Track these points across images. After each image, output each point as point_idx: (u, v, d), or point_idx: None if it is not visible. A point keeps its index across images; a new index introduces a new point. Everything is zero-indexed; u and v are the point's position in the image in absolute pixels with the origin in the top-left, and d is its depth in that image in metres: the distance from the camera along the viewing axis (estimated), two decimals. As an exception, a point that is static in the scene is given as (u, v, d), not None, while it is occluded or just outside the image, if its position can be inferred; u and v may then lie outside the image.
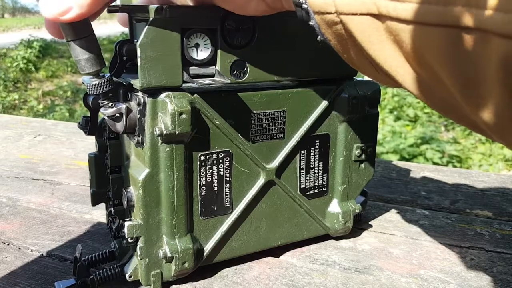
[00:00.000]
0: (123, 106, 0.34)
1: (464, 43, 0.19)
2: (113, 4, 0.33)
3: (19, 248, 0.44)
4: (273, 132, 0.39)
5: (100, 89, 0.32)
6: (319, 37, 0.27)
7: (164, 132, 0.33)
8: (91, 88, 0.32)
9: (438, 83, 0.22)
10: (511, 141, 0.20)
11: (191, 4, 0.35)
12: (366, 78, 0.34)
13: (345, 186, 0.44)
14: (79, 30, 0.30)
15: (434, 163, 2.33)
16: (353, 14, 0.24)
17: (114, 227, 0.39)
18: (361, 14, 0.23)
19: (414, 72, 0.23)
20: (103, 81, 0.32)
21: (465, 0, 0.18)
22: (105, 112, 0.33)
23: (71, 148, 0.77)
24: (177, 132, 0.33)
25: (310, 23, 0.27)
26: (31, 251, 0.43)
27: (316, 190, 0.43)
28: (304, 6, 0.26)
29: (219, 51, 0.35)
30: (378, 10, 0.22)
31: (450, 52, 0.20)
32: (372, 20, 0.23)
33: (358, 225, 0.48)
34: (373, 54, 0.24)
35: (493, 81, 0.18)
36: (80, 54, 0.30)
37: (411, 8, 0.21)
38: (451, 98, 0.22)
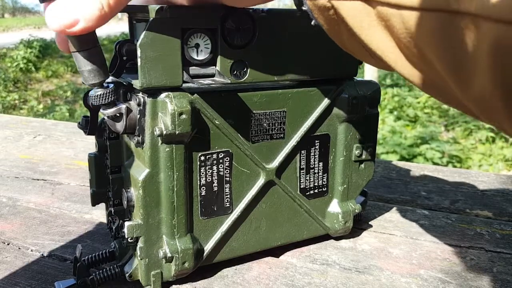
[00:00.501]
0: (123, 106, 0.34)
1: (454, 27, 0.19)
2: None
3: (19, 248, 0.44)
4: (273, 132, 0.39)
5: (103, 100, 0.32)
6: (313, 21, 0.27)
7: (164, 132, 0.33)
8: (95, 99, 0.32)
9: (429, 67, 0.22)
10: (499, 122, 0.20)
11: (189, 3, 0.35)
12: (366, 78, 0.34)
13: (345, 186, 0.44)
14: (83, 41, 0.30)
15: (434, 163, 2.33)
16: None
17: (114, 227, 0.39)
18: None
19: (405, 56, 0.23)
20: (106, 91, 0.32)
21: None
22: (105, 112, 0.33)
23: (71, 148, 0.77)
24: (177, 132, 0.33)
25: (303, 8, 0.27)
26: (31, 251, 0.43)
27: (316, 190, 0.43)
28: None
29: (219, 51, 0.35)
30: None
31: (440, 37, 0.20)
32: (363, 5, 0.23)
33: (358, 225, 0.48)
34: (365, 39, 0.24)
35: (483, 64, 0.18)
36: (84, 65, 0.30)
37: None
38: (441, 81, 0.22)
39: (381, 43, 0.24)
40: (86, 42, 0.30)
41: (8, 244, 0.45)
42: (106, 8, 0.27)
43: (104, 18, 0.28)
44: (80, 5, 0.27)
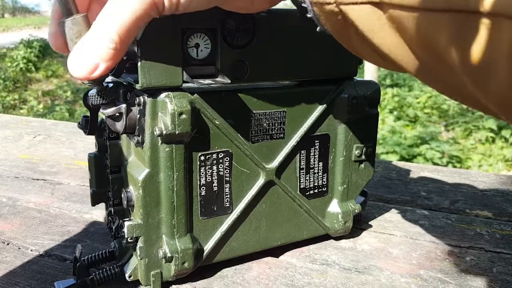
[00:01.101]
0: (123, 106, 0.34)
1: (472, 27, 0.18)
2: None
3: (19, 248, 0.44)
4: (273, 132, 0.39)
5: (102, 99, 0.32)
6: (318, 28, 0.27)
7: (164, 132, 0.33)
8: (94, 98, 0.32)
9: (445, 68, 0.21)
10: None
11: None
12: (366, 78, 0.34)
13: (345, 186, 0.44)
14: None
15: (434, 163, 2.33)
16: (353, 3, 0.23)
17: (114, 227, 0.39)
18: (361, 3, 0.23)
19: (419, 58, 0.23)
20: (105, 91, 0.32)
21: None
22: (104, 112, 0.33)
23: (71, 148, 0.77)
24: (177, 132, 0.33)
25: (308, 15, 0.26)
26: (31, 250, 0.43)
27: (316, 190, 0.43)
28: (303, 5, 0.26)
29: (219, 51, 0.35)
30: None
31: (457, 38, 0.19)
32: (373, 8, 0.23)
33: (358, 225, 0.48)
34: (377, 42, 0.24)
35: (504, 64, 0.18)
36: None
37: None
38: (458, 81, 0.21)
39: (393, 46, 0.23)
40: None
41: (8, 244, 0.45)
42: (118, 44, 0.27)
43: (119, 54, 0.28)
44: (95, 50, 0.28)
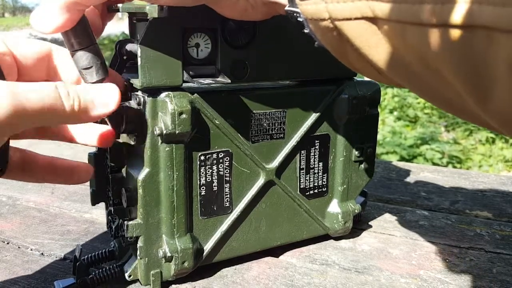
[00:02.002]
0: (123, 106, 0.34)
1: (468, 41, 0.18)
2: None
3: (19, 247, 0.44)
4: (273, 132, 0.39)
5: None
6: (316, 43, 0.27)
7: (164, 132, 0.33)
8: None
9: (443, 83, 0.21)
10: None
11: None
12: (366, 78, 0.34)
13: (344, 186, 0.44)
14: (80, 40, 0.30)
15: (434, 164, 2.33)
16: (347, 19, 0.23)
17: (113, 227, 0.39)
18: (356, 18, 0.23)
19: (416, 73, 0.23)
20: None
21: None
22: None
23: (71, 148, 0.77)
24: (177, 131, 0.33)
25: (305, 31, 0.26)
26: (31, 250, 0.43)
27: (315, 190, 0.43)
28: (299, 19, 0.26)
29: (219, 51, 0.35)
30: (373, 13, 0.22)
31: (454, 52, 0.19)
32: (368, 24, 0.23)
33: (358, 225, 0.48)
34: (373, 58, 0.24)
35: (503, 78, 0.18)
36: (82, 64, 0.30)
37: (409, 9, 0.20)
38: (457, 96, 0.21)
39: (390, 61, 0.23)
40: (83, 40, 0.30)
41: (7, 243, 0.45)
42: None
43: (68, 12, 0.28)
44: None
